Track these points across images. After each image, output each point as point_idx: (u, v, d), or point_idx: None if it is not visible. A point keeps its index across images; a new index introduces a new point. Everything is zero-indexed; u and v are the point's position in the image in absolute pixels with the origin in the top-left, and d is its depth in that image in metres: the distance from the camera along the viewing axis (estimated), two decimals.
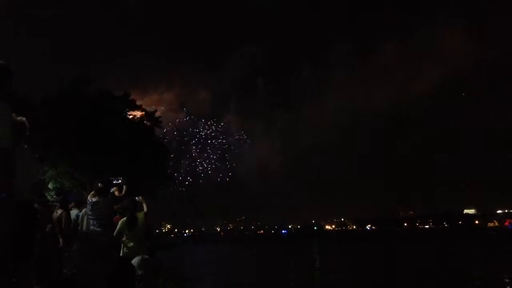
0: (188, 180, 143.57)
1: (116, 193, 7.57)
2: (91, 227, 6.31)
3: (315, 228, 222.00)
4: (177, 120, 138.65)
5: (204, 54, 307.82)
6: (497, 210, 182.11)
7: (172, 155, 38.59)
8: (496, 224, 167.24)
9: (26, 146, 3.78)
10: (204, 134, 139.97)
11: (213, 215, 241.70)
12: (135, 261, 5.86)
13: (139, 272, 5.62)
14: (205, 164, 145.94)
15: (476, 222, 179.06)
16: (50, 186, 20.81)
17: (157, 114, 33.81)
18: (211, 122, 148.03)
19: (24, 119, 3.27)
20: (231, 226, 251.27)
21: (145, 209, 7.40)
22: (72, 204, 8.44)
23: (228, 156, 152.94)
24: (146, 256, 6.32)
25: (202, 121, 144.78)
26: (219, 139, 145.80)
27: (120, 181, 7.26)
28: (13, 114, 2.88)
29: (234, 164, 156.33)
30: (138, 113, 31.69)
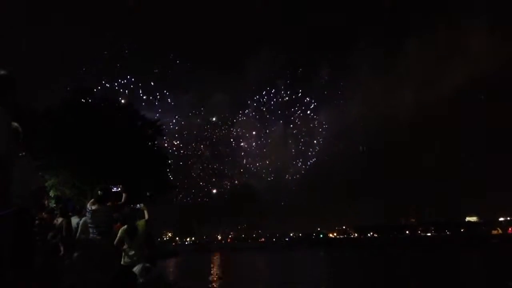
0: (197, 187, 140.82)
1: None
2: (91, 235, 6.28)
3: (321, 235, 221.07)
4: (191, 126, 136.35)
5: (222, 56, 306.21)
6: (499, 217, 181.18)
7: (170, 161, 38.64)
8: (500, 231, 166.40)
9: (24, 153, 3.77)
10: (218, 138, 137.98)
11: (218, 223, 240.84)
12: (136, 269, 5.82)
13: (141, 280, 5.57)
14: (216, 170, 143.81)
15: (479, 229, 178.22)
16: (51, 194, 20.81)
17: (159, 123, 34.12)
18: (226, 126, 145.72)
19: (16, 124, 3.26)
20: (232, 234, 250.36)
21: (146, 216, 7.37)
22: (70, 212, 8.42)
23: (242, 161, 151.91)
24: (148, 265, 6.28)
25: (217, 124, 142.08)
26: (233, 144, 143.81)
27: (119, 189, 7.23)
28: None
29: (245, 172, 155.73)
30: (139, 122, 31.91)
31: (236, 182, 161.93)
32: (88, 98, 28.68)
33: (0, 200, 2.26)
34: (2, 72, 2.66)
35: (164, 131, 34.90)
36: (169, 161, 37.05)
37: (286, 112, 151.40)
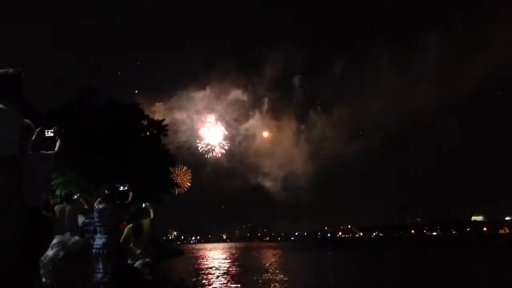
0: (207, 186, 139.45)
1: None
2: (98, 234, 6.34)
3: (329, 234, 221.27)
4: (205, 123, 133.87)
5: (239, 53, 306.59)
6: (506, 217, 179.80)
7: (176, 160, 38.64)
8: (507, 231, 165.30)
9: (41, 151, 3.83)
10: (231, 137, 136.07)
11: (225, 222, 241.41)
12: (137, 264, 5.85)
13: (144, 278, 5.61)
14: (227, 170, 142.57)
15: (485, 229, 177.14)
16: (57, 193, 20.95)
17: (165, 122, 34.22)
18: (240, 125, 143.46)
19: (28, 121, 3.29)
20: (237, 233, 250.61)
21: (151, 215, 7.43)
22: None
23: (253, 161, 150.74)
24: (148, 260, 6.31)
25: (231, 121, 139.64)
26: (245, 142, 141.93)
27: (126, 188, 7.28)
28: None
29: (256, 172, 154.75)
30: (144, 122, 32.04)
31: (246, 182, 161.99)
32: (93, 98, 28.81)
33: (15, 200, 2.29)
34: (11, 70, 2.68)
35: (168, 131, 34.86)
36: (176, 160, 37.23)
37: (301, 110, 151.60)
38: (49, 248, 1.86)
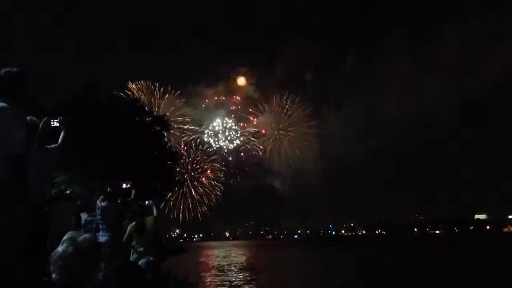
0: (213, 185, 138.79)
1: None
2: (100, 231, 6.32)
3: (333, 233, 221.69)
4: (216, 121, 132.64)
5: (251, 49, 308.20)
6: (509, 215, 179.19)
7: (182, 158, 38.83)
8: (511, 229, 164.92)
9: (46, 147, 3.82)
10: (241, 132, 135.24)
11: (230, 220, 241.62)
12: (140, 263, 5.83)
13: (147, 276, 5.57)
14: (235, 168, 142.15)
15: (488, 227, 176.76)
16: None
17: (166, 117, 34.21)
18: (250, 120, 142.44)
19: (34, 118, 3.30)
20: (240, 231, 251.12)
21: (154, 213, 7.40)
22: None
23: (262, 160, 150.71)
24: (152, 258, 6.29)
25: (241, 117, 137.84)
26: (256, 140, 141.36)
27: (129, 185, 7.26)
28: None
29: (265, 171, 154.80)
30: (148, 118, 32.03)
31: (253, 179, 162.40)
32: (96, 94, 28.83)
33: (20, 199, 2.28)
34: (14, 69, 2.70)
35: (170, 124, 34.86)
36: (182, 158, 37.28)
37: (313, 107, 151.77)
38: (60, 244, 1.87)
